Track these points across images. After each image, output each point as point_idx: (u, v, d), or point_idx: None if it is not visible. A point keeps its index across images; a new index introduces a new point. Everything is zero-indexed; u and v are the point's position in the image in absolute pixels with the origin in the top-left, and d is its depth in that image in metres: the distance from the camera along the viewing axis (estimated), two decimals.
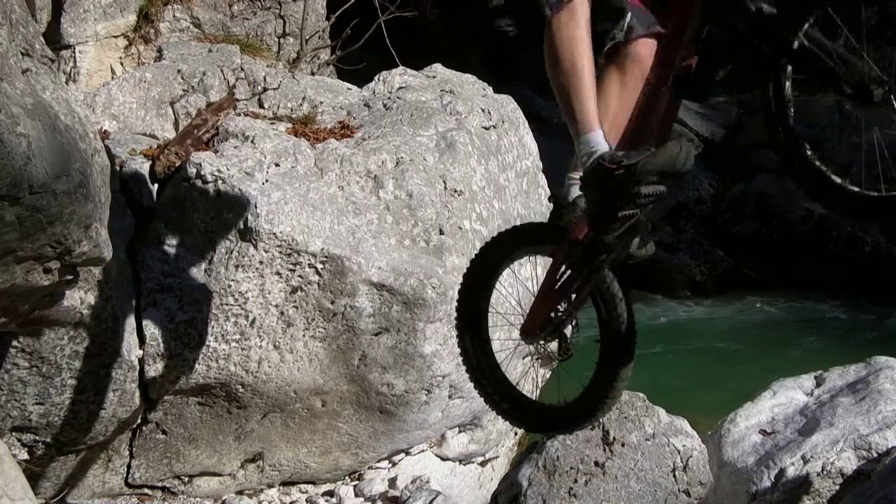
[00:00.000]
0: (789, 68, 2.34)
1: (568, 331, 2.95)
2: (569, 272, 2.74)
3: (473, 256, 3.12)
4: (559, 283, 2.78)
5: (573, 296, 2.78)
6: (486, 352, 3.14)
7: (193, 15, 6.02)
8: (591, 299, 2.80)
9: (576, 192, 2.86)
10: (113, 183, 3.45)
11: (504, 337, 3.19)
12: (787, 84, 2.36)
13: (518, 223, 3.00)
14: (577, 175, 2.89)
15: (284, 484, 4.72)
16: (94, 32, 5.58)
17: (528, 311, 2.95)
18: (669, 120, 2.57)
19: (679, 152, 2.44)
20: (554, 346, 2.97)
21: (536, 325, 2.90)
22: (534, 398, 3.25)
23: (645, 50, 2.87)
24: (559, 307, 2.83)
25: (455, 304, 3.17)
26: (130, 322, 4.05)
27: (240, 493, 4.62)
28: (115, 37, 5.72)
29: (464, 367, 3.21)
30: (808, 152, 2.40)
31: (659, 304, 10.73)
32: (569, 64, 2.61)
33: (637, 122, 2.61)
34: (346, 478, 4.83)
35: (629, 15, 2.80)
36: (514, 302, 3.12)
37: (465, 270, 3.14)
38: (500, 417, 3.32)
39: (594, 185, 2.56)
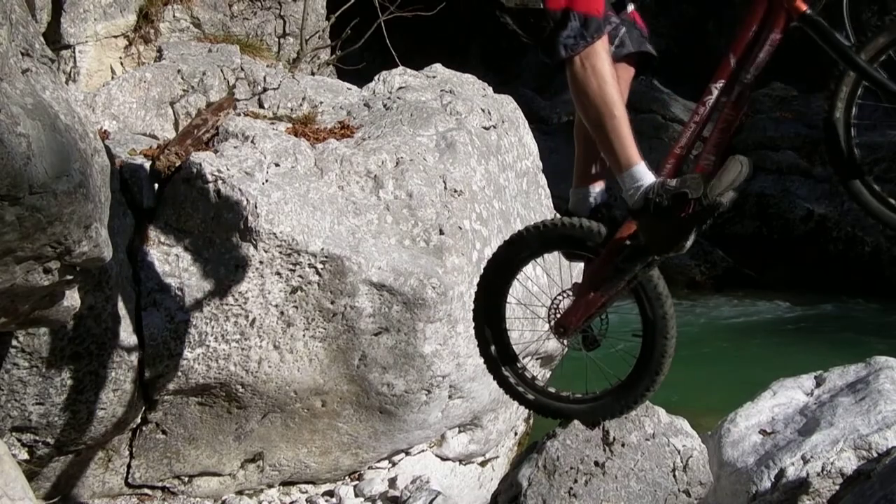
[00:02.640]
0: (860, 90, 2.41)
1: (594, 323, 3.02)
2: (614, 271, 2.76)
3: (503, 245, 3.12)
4: (605, 281, 2.80)
5: (613, 293, 2.81)
6: (504, 342, 3.16)
7: (193, 15, 6.02)
8: (635, 296, 2.84)
9: (592, 200, 2.89)
10: (113, 183, 3.45)
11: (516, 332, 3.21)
12: (854, 108, 2.43)
13: (552, 218, 2.98)
14: (588, 189, 2.93)
15: (284, 484, 4.72)
16: (94, 32, 5.59)
17: (562, 307, 2.98)
18: (731, 135, 2.59)
19: (740, 169, 2.48)
20: (580, 338, 3.05)
21: (577, 321, 2.93)
22: (555, 388, 3.28)
23: (630, 67, 2.90)
24: (600, 303, 2.87)
25: (474, 293, 3.18)
26: (130, 322, 4.05)
27: (240, 493, 4.62)
28: (115, 37, 5.72)
29: (481, 359, 3.23)
30: (866, 174, 2.48)
31: None
32: (599, 100, 2.61)
33: (693, 143, 2.63)
34: (346, 478, 4.83)
35: (623, 31, 2.82)
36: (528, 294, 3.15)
37: (490, 258, 3.15)
38: (521, 406, 3.34)
39: (660, 218, 2.58)
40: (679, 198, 2.54)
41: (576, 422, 4.07)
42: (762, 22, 2.52)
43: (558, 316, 3.01)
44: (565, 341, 3.06)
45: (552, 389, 3.25)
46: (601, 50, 2.59)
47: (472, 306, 3.22)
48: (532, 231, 3.01)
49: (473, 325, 3.21)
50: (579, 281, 2.97)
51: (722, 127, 2.58)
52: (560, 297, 3.01)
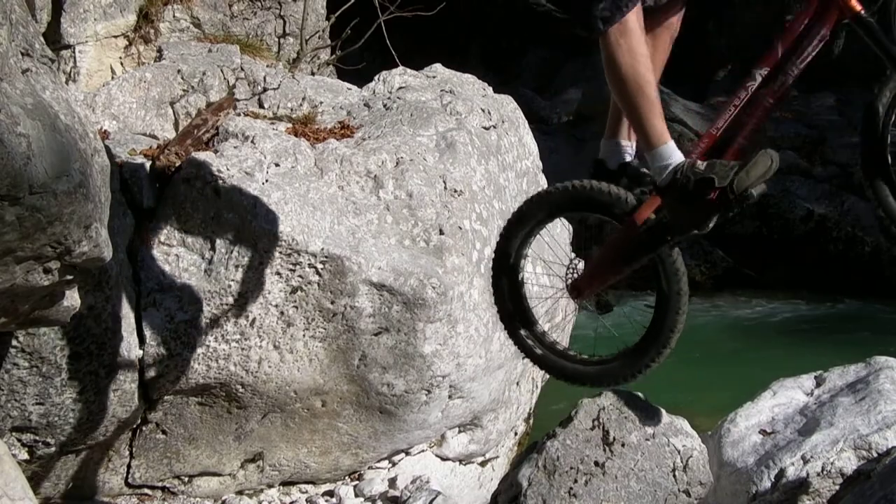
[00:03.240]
0: None
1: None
2: (635, 243, 2.78)
3: (528, 199, 3.13)
4: (626, 251, 2.82)
5: (632, 264, 2.84)
6: (520, 295, 3.18)
7: (193, 15, 6.02)
8: (652, 269, 2.87)
9: (622, 157, 2.91)
10: (113, 183, 3.45)
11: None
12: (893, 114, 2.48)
13: (581, 180, 2.98)
14: (620, 141, 2.94)
15: (284, 484, 4.72)
16: (94, 32, 5.58)
17: (579, 270, 3.00)
18: (760, 124, 2.62)
19: (769, 163, 2.51)
20: (593, 301, 3.09)
21: (594, 286, 2.98)
22: (564, 347, 3.28)
23: (675, 16, 2.90)
24: (620, 272, 2.89)
25: (495, 244, 3.19)
26: (130, 322, 4.05)
27: (240, 493, 4.62)
28: (115, 37, 5.72)
29: (497, 313, 3.24)
30: (893, 176, 2.53)
31: None
32: (632, 79, 2.63)
33: (729, 127, 2.66)
34: (346, 478, 4.83)
35: None
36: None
37: (515, 211, 3.16)
38: (534, 365, 3.37)
39: (684, 200, 2.62)
40: (704, 182, 2.57)
41: (575, 422, 4.09)
42: (814, 16, 2.54)
43: (575, 277, 3.03)
44: (578, 302, 3.09)
45: (561, 347, 3.26)
46: (635, 27, 2.60)
47: (491, 260, 3.24)
48: (560, 190, 3.00)
49: (491, 275, 3.22)
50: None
51: (760, 114, 2.61)
52: (579, 259, 3.03)
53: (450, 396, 4.75)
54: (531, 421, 5.87)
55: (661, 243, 2.76)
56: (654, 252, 2.79)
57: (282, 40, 6.45)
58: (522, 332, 3.20)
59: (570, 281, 3.06)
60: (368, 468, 4.84)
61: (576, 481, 3.60)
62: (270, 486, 4.68)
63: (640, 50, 2.62)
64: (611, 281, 2.97)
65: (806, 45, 2.55)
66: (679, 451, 3.98)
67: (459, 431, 5.10)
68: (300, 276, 4.27)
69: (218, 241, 4.21)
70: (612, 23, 2.59)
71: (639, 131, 2.72)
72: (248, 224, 4.18)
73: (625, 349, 3.08)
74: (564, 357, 3.21)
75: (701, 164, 2.60)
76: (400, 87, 5.40)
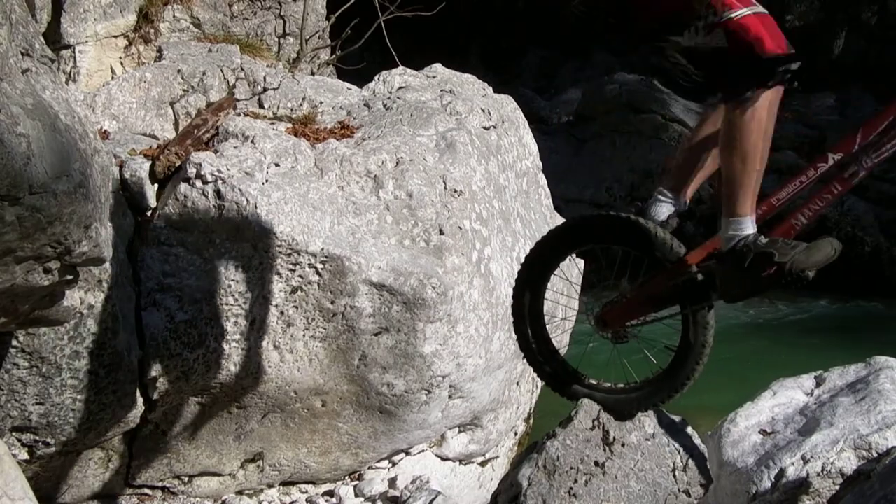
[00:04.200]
0: None
1: None
2: (673, 292, 2.80)
3: (570, 221, 3.17)
4: (661, 297, 2.85)
5: (664, 310, 2.87)
6: (538, 314, 3.20)
7: (193, 15, 6.02)
8: (683, 318, 2.88)
9: (665, 211, 2.95)
10: (113, 183, 3.45)
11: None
12: None
13: (630, 216, 2.96)
14: (681, 199, 2.95)
15: (284, 484, 4.72)
16: (94, 32, 5.58)
17: (611, 303, 3.04)
18: (823, 208, 2.64)
19: (830, 252, 2.53)
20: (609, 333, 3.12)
21: (621, 322, 3.02)
22: (574, 367, 3.31)
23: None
24: (649, 313, 2.92)
25: (526, 256, 3.22)
26: (130, 322, 4.05)
27: (240, 493, 4.62)
28: (115, 37, 5.72)
29: (514, 331, 3.30)
30: None
31: None
32: (751, 154, 2.63)
33: (789, 199, 2.69)
34: (346, 478, 4.83)
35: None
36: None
37: (554, 229, 3.17)
38: (543, 382, 3.41)
39: (739, 269, 2.64)
40: (764, 256, 2.59)
41: (575, 422, 4.09)
42: None
43: (602, 308, 3.06)
44: (601, 334, 3.12)
45: (570, 367, 3.29)
46: (774, 101, 2.59)
47: (518, 269, 3.27)
48: (605, 219, 2.99)
49: (514, 286, 3.25)
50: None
51: (825, 196, 2.62)
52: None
53: (450, 396, 4.75)
54: (531, 421, 5.88)
55: (701, 300, 2.77)
56: (691, 306, 2.81)
57: (282, 40, 6.45)
58: (535, 346, 3.25)
59: (596, 311, 3.09)
60: (368, 468, 4.84)
61: (576, 481, 3.59)
62: (270, 486, 4.68)
63: (769, 129, 2.62)
64: (637, 318, 2.99)
65: (885, 142, 2.55)
66: (679, 451, 3.98)
67: (459, 431, 5.10)
68: (300, 276, 4.27)
69: (218, 241, 4.21)
70: (768, 84, 2.52)
71: (729, 196, 2.70)
72: (248, 224, 4.18)
73: (639, 383, 3.09)
74: (574, 378, 3.26)
75: (763, 240, 2.62)
76: (400, 87, 5.41)
